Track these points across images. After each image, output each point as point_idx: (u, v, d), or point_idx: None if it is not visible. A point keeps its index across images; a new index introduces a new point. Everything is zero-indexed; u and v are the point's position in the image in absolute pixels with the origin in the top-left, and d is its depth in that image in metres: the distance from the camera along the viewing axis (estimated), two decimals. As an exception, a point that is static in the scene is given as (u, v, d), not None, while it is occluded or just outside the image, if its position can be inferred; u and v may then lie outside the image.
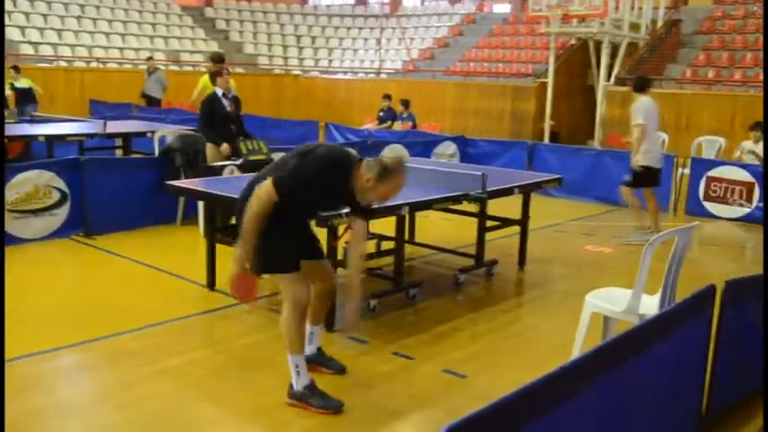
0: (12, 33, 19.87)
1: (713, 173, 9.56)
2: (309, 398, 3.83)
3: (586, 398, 2.45)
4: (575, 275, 6.76)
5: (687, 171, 9.90)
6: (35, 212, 7.07)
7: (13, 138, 9.25)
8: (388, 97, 14.79)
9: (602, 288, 4.48)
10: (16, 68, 14.33)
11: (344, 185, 3.72)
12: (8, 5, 20.87)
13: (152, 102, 16.05)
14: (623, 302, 4.06)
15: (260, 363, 4.43)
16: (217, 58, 9.87)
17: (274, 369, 4.29)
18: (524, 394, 2.10)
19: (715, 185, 9.51)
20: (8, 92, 13.43)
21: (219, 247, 5.77)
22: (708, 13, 18.65)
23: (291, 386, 3.87)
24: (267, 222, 3.67)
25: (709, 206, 9.53)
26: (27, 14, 20.97)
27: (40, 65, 18.57)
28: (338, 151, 3.83)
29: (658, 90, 15.98)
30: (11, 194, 6.87)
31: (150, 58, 16.75)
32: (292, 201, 3.67)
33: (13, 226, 6.89)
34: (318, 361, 4.28)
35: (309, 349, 4.19)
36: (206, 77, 8.84)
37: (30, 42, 19.93)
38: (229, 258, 3.89)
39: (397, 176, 3.68)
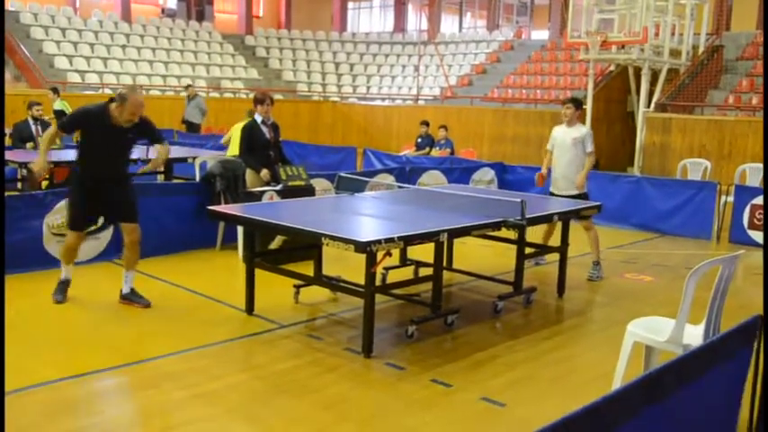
0: (60, 62, 20.48)
1: (758, 201, 9.37)
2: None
3: (629, 429, 2.40)
4: (614, 304, 6.66)
5: (731, 199, 9.71)
6: (79, 236, 7.21)
7: (59, 163, 9.46)
8: (425, 123, 14.82)
9: (644, 317, 4.41)
10: (55, 90, 14.46)
11: (109, 124, 5.56)
12: (57, 36, 21.51)
13: (192, 127, 16.32)
14: (666, 332, 3.98)
15: (297, 389, 4.43)
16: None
17: (310, 395, 4.29)
18: (566, 423, 2.07)
19: (760, 213, 9.31)
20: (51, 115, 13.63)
21: (258, 272, 5.82)
22: (751, 39, 18.39)
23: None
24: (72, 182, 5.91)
25: (753, 234, 9.32)
26: (75, 44, 21.59)
27: (86, 92, 19.04)
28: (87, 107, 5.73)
29: (700, 116, 15.80)
30: (56, 218, 7.03)
31: (190, 86, 17.00)
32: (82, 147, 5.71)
33: (56, 249, 7.03)
34: (131, 298, 5.93)
35: (126, 288, 5.93)
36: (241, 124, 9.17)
37: (77, 71, 20.49)
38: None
39: (133, 96, 5.50)
